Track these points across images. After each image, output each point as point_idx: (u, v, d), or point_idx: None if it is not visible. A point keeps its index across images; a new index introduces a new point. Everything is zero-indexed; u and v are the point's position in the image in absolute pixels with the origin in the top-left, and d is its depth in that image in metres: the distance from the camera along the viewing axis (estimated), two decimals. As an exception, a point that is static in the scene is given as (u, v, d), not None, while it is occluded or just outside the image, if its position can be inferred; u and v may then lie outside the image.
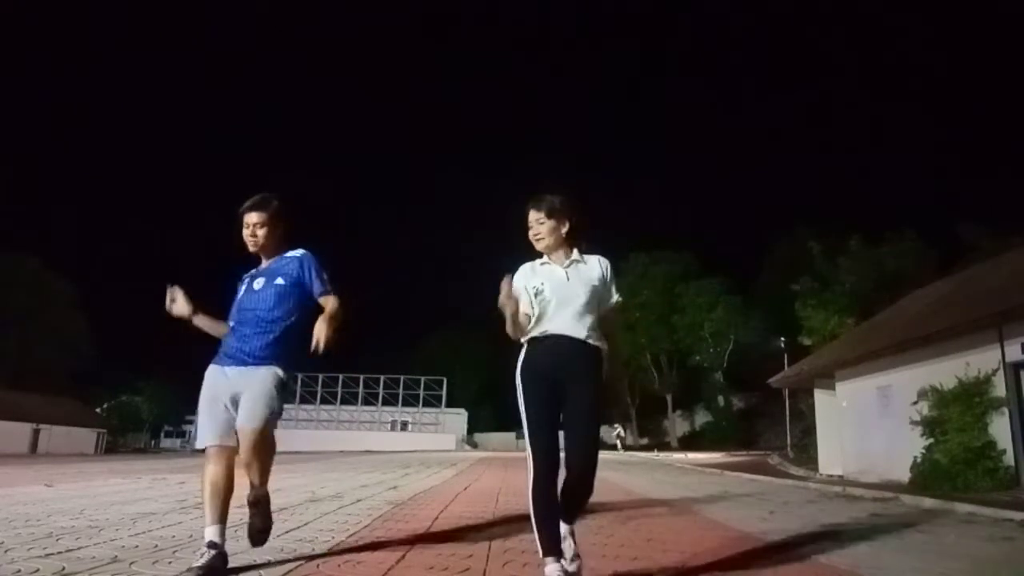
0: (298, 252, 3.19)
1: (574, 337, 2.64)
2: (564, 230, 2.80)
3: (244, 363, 2.96)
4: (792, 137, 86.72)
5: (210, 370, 3.02)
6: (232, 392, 2.92)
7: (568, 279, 2.74)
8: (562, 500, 2.56)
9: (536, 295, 2.72)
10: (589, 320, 2.68)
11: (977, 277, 13.22)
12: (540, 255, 2.85)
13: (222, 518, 2.79)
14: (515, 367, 2.69)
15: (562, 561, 2.46)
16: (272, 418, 2.89)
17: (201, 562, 2.62)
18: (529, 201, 2.84)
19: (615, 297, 2.82)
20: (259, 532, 2.98)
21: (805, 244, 24.14)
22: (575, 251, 2.82)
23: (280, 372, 2.97)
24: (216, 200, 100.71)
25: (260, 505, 2.96)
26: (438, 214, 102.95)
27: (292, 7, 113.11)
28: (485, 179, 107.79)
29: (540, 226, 2.79)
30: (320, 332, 2.93)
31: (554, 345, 2.64)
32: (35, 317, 41.96)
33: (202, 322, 3.16)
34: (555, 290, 2.71)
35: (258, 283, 3.12)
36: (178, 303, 3.11)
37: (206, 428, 2.90)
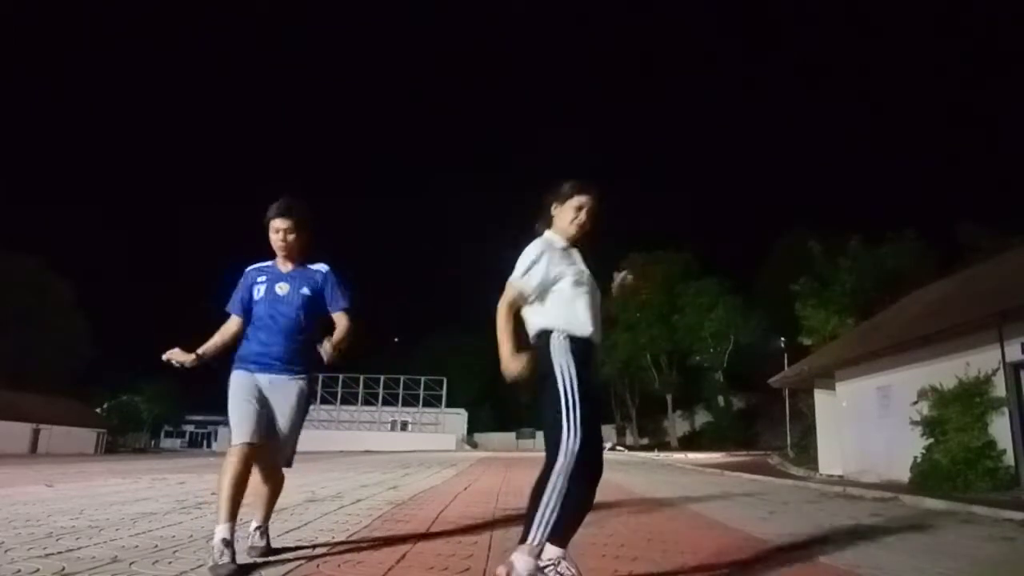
0: (323, 267, 3.29)
1: (596, 347, 2.55)
2: (595, 231, 2.68)
3: (271, 368, 3.09)
4: (792, 137, 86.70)
5: (237, 375, 3.09)
6: (262, 397, 3.04)
7: (595, 281, 2.60)
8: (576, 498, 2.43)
9: (575, 284, 2.51)
10: None
11: (977, 277, 13.23)
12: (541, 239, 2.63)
13: (234, 515, 2.82)
14: (555, 358, 2.43)
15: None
16: (295, 446, 3.17)
17: (223, 561, 2.67)
18: (582, 184, 2.63)
19: None
20: (262, 554, 3.07)
21: (805, 244, 24.13)
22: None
23: (306, 386, 3.16)
24: (216, 200, 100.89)
25: (266, 534, 3.17)
26: (439, 214, 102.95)
27: (290, 6, 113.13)
28: (485, 179, 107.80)
29: (594, 217, 2.63)
30: (328, 350, 3.07)
31: (594, 357, 2.53)
32: (35, 317, 41.97)
33: (209, 352, 3.17)
34: (593, 293, 2.55)
35: (281, 288, 3.20)
36: (178, 357, 3.09)
37: (240, 426, 2.93)
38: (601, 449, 2.46)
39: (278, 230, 3.18)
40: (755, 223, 62.98)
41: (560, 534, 2.37)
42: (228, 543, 2.73)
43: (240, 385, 3.05)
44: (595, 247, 2.73)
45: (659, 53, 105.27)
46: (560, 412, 2.36)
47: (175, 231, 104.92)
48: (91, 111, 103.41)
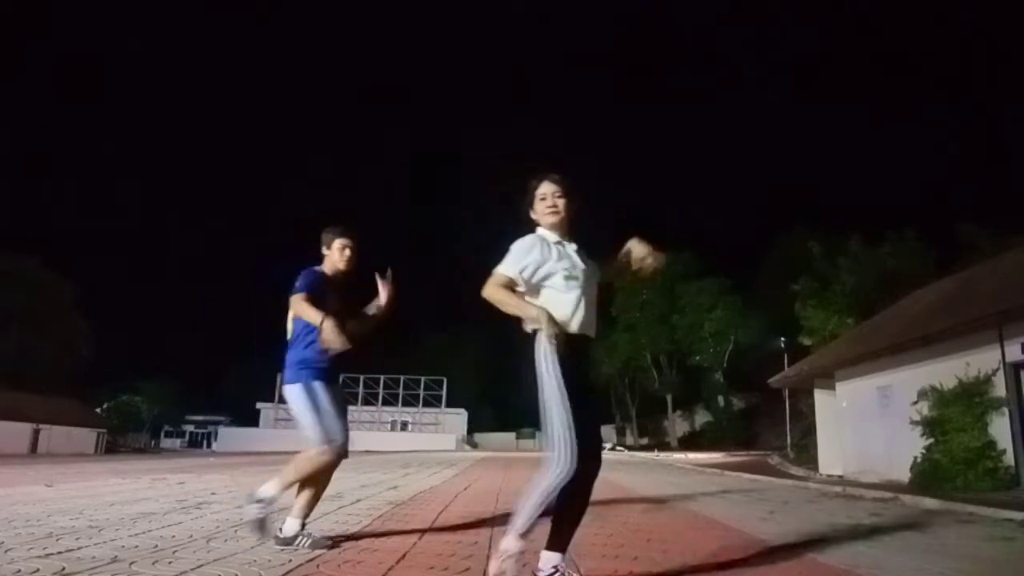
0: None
1: (592, 341, 2.55)
2: (571, 215, 2.67)
3: (335, 379, 3.46)
4: (792, 137, 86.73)
5: (318, 384, 3.36)
6: (340, 403, 3.44)
7: (590, 274, 2.59)
8: (568, 507, 2.44)
9: (567, 279, 2.50)
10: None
11: (977, 277, 13.22)
12: (531, 231, 2.67)
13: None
14: (537, 358, 2.39)
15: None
16: None
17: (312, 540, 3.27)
18: (541, 174, 2.69)
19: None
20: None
21: (805, 244, 24.15)
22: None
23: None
24: (216, 199, 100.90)
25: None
26: (438, 213, 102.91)
27: (290, 6, 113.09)
28: (484, 178, 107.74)
29: (559, 199, 2.63)
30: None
31: (584, 348, 2.51)
32: (35, 317, 41.93)
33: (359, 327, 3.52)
34: (585, 283, 2.53)
35: (334, 302, 3.44)
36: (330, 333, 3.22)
37: (333, 428, 3.32)
38: (597, 449, 2.47)
39: (345, 247, 3.53)
40: (755, 223, 63.05)
41: (557, 536, 2.43)
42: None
43: (323, 393, 3.35)
44: (577, 230, 2.73)
45: (659, 53, 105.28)
46: (547, 422, 2.37)
47: (175, 230, 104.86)
48: (92, 109, 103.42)
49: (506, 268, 2.50)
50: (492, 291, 2.48)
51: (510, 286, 2.50)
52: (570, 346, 2.40)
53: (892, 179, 73.61)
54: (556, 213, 2.63)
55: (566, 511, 2.43)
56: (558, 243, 2.61)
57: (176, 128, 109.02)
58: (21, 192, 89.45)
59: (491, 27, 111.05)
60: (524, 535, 2.37)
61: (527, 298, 2.50)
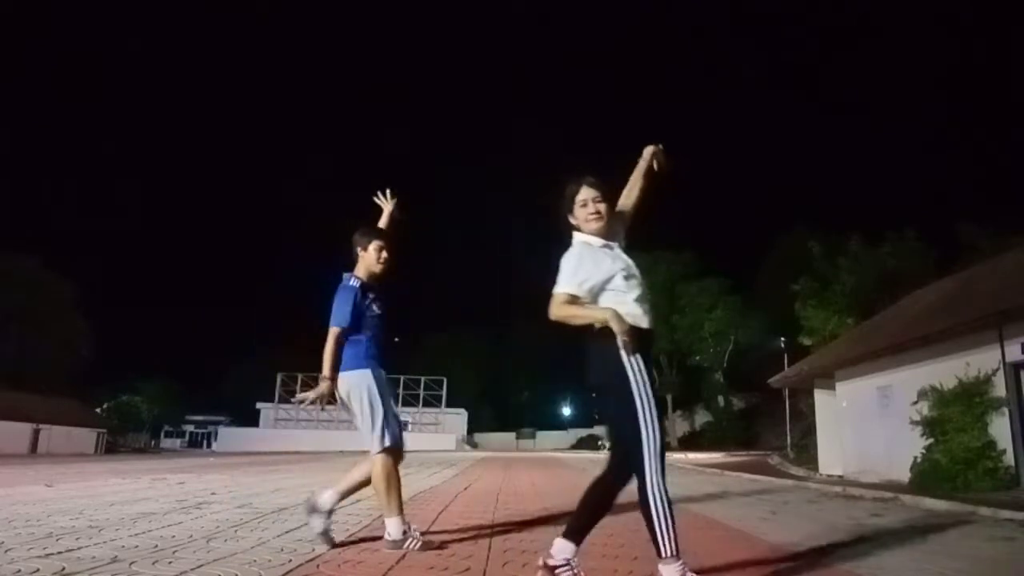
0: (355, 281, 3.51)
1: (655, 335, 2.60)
2: (611, 216, 2.69)
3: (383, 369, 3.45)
4: (792, 136, 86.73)
5: (372, 371, 3.33)
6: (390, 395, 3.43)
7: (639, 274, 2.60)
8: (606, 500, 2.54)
9: (627, 278, 2.52)
10: None
11: (977, 277, 13.22)
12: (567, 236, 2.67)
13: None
14: (616, 352, 2.38)
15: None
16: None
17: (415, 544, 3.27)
18: (579, 177, 2.67)
19: None
20: None
21: (805, 244, 24.14)
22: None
23: None
24: (216, 199, 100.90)
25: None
26: (438, 213, 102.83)
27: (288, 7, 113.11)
28: (484, 179, 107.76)
29: (599, 204, 2.62)
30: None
31: (651, 343, 2.53)
32: (35, 317, 41.92)
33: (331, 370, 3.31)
34: (643, 279, 2.58)
35: (377, 306, 3.47)
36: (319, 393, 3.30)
37: (393, 428, 3.31)
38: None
39: (380, 249, 3.49)
40: (755, 223, 62.80)
41: (583, 533, 2.52)
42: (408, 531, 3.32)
43: (381, 384, 3.34)
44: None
45: (659, 53, 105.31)
46: (637, 414, 2.38)
47: (175, 230, 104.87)
48: (92, 111, 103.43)
49: (565, 286, 2.51)
50: (558, 311, 2.49)
51: (573, 302, 2.49)
52: (641, 342, 2.43)
53: (892, 179, 73.51)
54: (600, 219, 2.62)
55: (602, 506, 2.53)
56: (605, 246, 2.62)
57: (176, 128, 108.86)
58: (21, 192, 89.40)
59: (491, 27, 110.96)
60: (679, 554, 2.36)
61: (589, 306, 2.51)
